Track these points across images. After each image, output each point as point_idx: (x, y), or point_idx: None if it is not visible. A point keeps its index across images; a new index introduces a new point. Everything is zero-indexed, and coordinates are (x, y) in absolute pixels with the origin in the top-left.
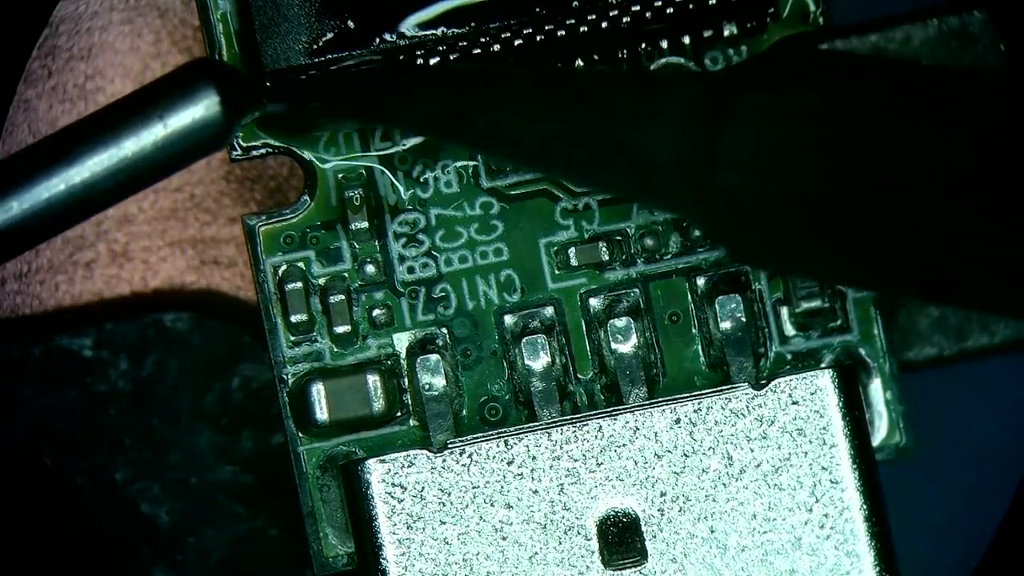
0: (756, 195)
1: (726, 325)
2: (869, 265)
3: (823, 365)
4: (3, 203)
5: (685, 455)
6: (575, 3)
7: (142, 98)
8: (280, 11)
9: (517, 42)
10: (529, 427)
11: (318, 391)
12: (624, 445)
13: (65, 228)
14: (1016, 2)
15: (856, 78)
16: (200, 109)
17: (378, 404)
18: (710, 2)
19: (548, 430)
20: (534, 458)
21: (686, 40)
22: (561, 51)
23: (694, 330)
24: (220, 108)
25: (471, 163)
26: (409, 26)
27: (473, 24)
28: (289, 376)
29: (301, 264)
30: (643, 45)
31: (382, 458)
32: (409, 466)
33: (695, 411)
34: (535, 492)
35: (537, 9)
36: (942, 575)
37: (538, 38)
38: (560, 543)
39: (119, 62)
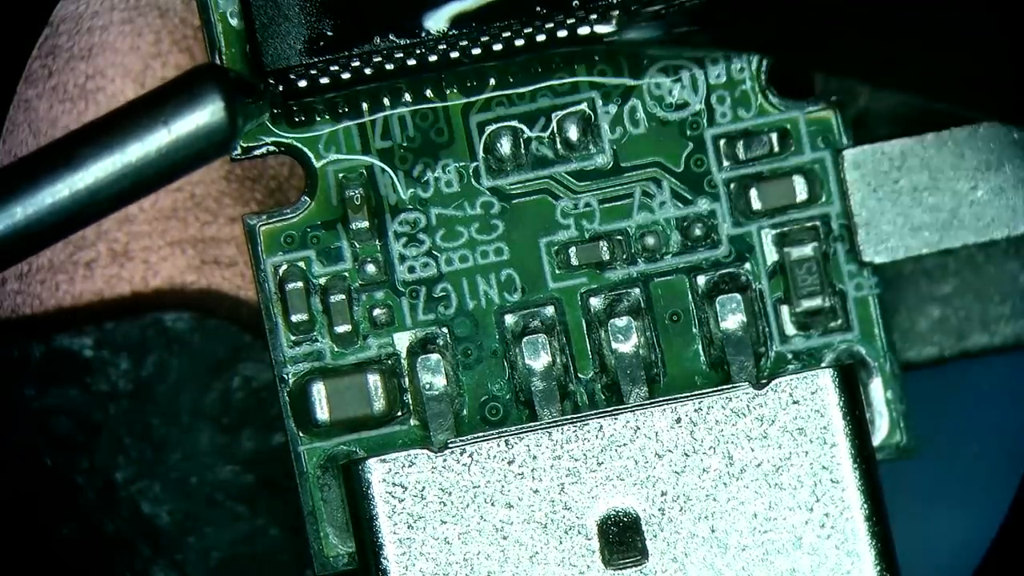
0: None
1: (727, 324)
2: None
3: (824, 364)
4: (8, 209)
5: (686, 454)
6: (575, 3)
7: (146, 103)
8: (280, 11)
9: (518, 42)
10: (530, 427)
11: (319, 391)
12: (624, 445)
13: (69, 234)
14: (1017, 1)
15: None
16: (205, 115)
17: (379, 404)
18: None
19: (549, 430)
20: (535, 458)
21: None
22: (562, 51)
23: (695, 329)
24: (224, 114)
25: (471, 162)
26: (411, 22)
27: (474, 24)
28: (289, 376)
29: (301, 264)
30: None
31: (383, 458)
32: (410, 466)
33: (696, 411)
34: (536, 492)
35: (538, 9)
36: (942, 575)
37: (539, 38)
38: (561, 542)
39: (119, 62)
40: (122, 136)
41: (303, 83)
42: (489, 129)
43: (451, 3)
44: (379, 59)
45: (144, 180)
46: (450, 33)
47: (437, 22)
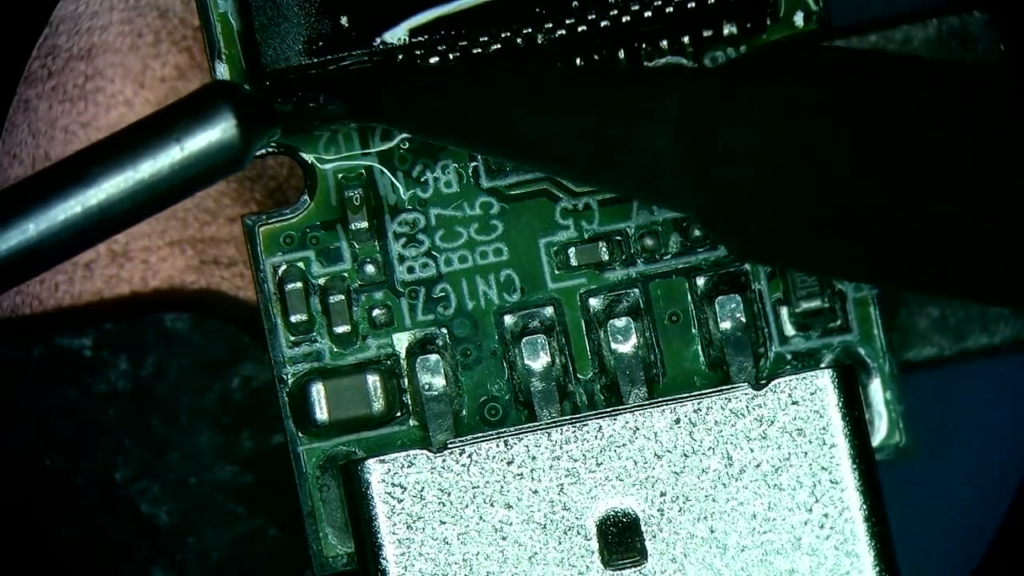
0: (754, 191)
1: (726, 325)
2: (869, 261)
3: (823, 365)
4: (20, 224)
5: (685, 455)
6: (575, 3)
7: (159, 120)
8: (280, 11)
9: (517, 41)
10: (529, 427)
11: (318, 391)
12: (624, 445)
13: (81, 251)
14: (1016, 2)
15: (856, 73)
16: (217, 132)
17: (378, 404)
18: (709, 1)
19: (548, 430)
20: (534, 458)
21: (686, 40)
22: (561, 51)
23: (694, 330)
24: (237, 131)
25: (471, 163)
26: (409, 26)
27: (473, 24)
28: (289, 376)
29: (301, 264)
30: (643, 45)
31: (382, 458)
32: (409, 466)
33: (695, 411)
34: (535, 492)
35: (537, 9)
36: (942, 575)
37: (538, 38)
38: (560, 543)
39: (119, 62)
40: (134, 153)
41: (302, 83)
42: None
43: (450, 5)
44: (378, 60)
45: (156, 197)
46: (449, 34)
47: (436, 23)
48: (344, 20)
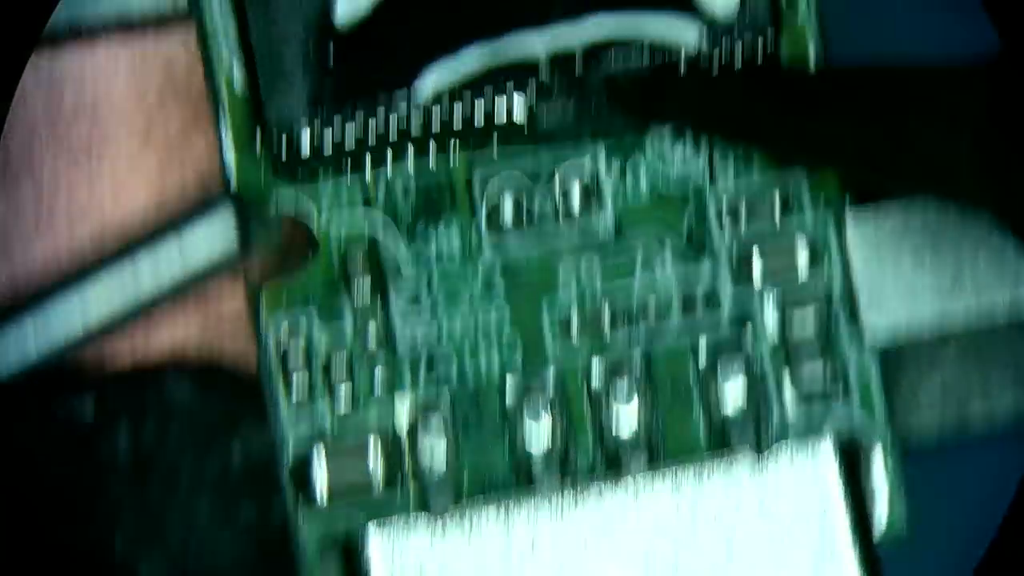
0: None
1: (728, 392)
2: None
3: (824, 438)
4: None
5: (686, 525)
6: None
7: (161, 232)
8: (284, 68)
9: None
10: (529, 497)
11: (319, 458)
12: (625, 516)
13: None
14: (1016, 2)
15: None
16: (217, 240)
17: (378, 472)
18: None
19: (548, 500)
20: (534, 528)
21: None
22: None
23: (695, 398)
24: (237, 240)
25: (473, 223)
26: (413, 82)
27: (472, 87)
28: (290, 442)
29: (303, 328)
30: None
31: (382, 527)
32: (409, 536)
33: (696, 480)
34: (535, 563)
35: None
36: (942, 575)
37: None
38: None
39: (124, 119)
40: (135, 265)
41: (306, 142)
42: (491, 190)
43: (450, 56)
44: (382, 120)
45: (155, 305)
46: (449, 94)
47: (439, 83)
48: (347, 76)
